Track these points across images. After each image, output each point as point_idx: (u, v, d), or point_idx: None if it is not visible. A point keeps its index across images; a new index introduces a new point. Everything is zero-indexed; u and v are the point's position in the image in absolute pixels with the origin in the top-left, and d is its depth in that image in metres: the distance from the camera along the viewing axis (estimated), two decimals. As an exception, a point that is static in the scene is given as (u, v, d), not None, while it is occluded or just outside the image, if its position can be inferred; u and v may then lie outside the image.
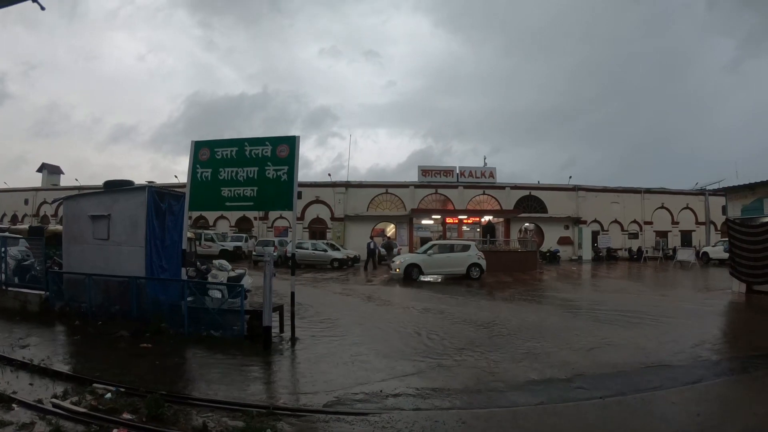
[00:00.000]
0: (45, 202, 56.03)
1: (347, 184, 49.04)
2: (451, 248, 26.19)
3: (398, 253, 34.07)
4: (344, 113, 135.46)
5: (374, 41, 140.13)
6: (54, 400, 6.46)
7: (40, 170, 61.27)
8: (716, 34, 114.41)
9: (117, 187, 12.70)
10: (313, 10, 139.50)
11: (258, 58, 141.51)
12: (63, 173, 63.10)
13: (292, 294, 10.84)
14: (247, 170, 10.93)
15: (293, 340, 10.31)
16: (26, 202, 57.41)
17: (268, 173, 10.81)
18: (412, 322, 12.97)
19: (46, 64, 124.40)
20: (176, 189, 13.75)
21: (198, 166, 11.28)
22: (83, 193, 13.78)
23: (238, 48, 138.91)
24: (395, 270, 24.85)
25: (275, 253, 31.06)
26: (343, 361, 9.01)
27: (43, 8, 4.39)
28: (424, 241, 45.04)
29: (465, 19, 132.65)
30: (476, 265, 25.28)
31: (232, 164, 11.06)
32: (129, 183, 13.49)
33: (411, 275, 24.05)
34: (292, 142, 10.89)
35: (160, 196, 11.70)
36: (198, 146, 11.40)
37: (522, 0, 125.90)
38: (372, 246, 34.02)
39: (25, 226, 27.48)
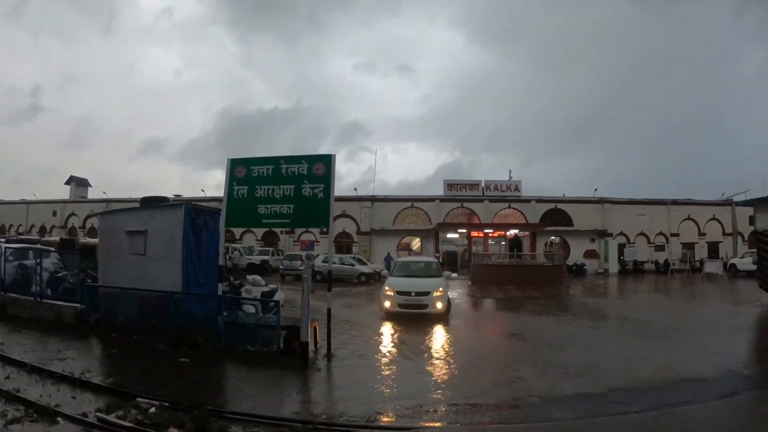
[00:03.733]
0: (73, 214, 56.71)
1: (373, 198, 49.18)
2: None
3: None
4: (376, 127, 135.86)
5: (407, 55, 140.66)
6: (99, 414, 6.53)
7: (68, 182, 61.90)
8: (745, 44, 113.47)
9: (154, 204, 12.92)
10: (349, 26, 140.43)
11: (292, 73, 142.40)
12: (91, 186, 63.74)
13: (329, 310, 10.96)
14: (283, 188, 11.09)
15: (329, 355, 10.39)
16: (54, 213, 57.94)
17: (305, 191, 10.96)
18: (444, 337, 13.09)
19: (80, 77, 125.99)
20: (203, 203, 13.94)
21: (234, 183, 11.45)
22: (120, 209, 14.03)
23: (273, 64, 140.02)
24: (434, 306, 15.66)
25: (302, 267, 31.12)
26: (381, 377, 9.17)
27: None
28: (450, 255, 44.95)
29: (497, 33, 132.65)
30: None
31: (269, 182, 11.23)
32: (165, 199, 13.73)
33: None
34: (328, 161, 11.08)
35: (196, 213, 11.90)
36: (234, 164, 11.59)
37: (553, 13, 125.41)
38: (389, 260, 34.83)
39: (56, 239, 27.75)
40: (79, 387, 7.89)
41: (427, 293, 15.75)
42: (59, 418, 6.47)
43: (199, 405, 6.76)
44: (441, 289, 16.06)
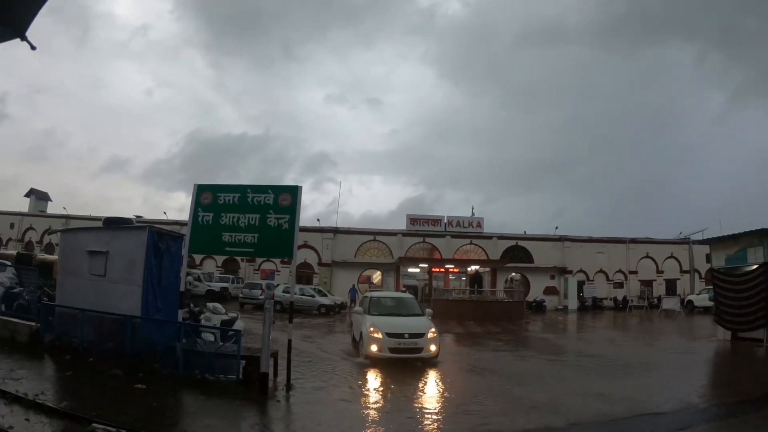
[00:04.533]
0: (31, 228, 55.80)
1: (336, 230, 49.59)
2: None
3: None
4: (342, 159, 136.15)
5: (378, 89, 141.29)
6: (54, 438, 6.41)
7: (28, 195, 60.84)
8: (704, 88, 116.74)
9: (117, 225, 12.78)
10: (323, 57, 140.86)
11: (263, 101, 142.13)
12: (51, 200, 62.74)
13: (289, 341, 10.91)
14: (248, 217, 11.11)
15: (288, 386, 10.32)
16: (12, 226, 56.77)
17: (270, 221, 11.01)
18: (402, 370, 13.03)
19: (49, 87, 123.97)
20: (164, 225, 13.83)
21: (200, 209, 11.41)
22: (82, 227, 13.87)
23: (245, 90, 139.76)
24: (428, 349, 13.93)
25: (262, 296, 31.11)
26: (339, 411, 9.15)
27: (33, 48, 4.53)
28: (411, 290, 44.98)
29: (467, 72, 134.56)
30: None
31: (234, 210, 11.23)
32: (128, 221, 13.60)
33: None
34: (294, 192, 11.15)
35: (159, 236, 11.77)
36: (200, 189, 11.56)
37: (522, 57, 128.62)
38: (353, 293, 37.70)
39: (13, 252, 27.17)
40: (33, 409, 7.70)
41: (421, 335, 13.91)
42: (12, 442, 6.26)
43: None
44: (434, 329, 14.35)
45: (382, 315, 15.22)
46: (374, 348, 13.69)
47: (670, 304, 37.24)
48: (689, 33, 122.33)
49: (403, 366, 13.36)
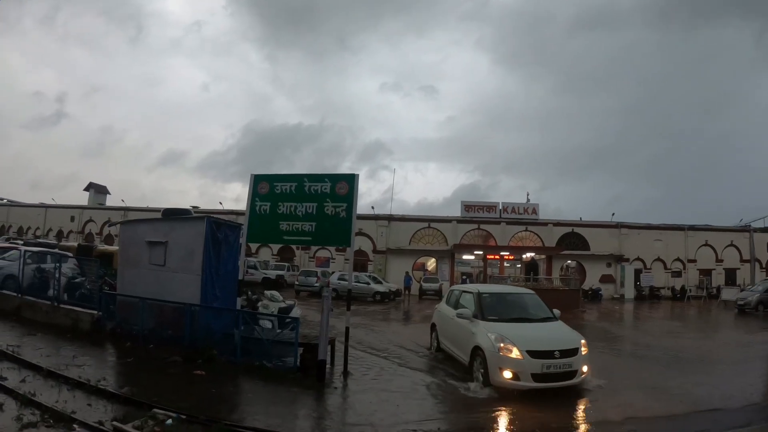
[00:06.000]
0: (91, 220, 57.55)
1: (390, 218, 49.58)
2: None
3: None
4: (398, 147, 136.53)
5: (432, 77, 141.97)
6: (115, 423, 6.52)
7: (87, 189, 62.67)
8: (763, 71, 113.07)
9: (175, 216, 12.96)
10: (376, 47, 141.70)
11: (318, 91, 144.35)
12: (109, 193, 64.57)
13: (347, 329, 10.95)
14: (306, 205, 11.22)
15: (346, 374, 10.34)
16: (72, 219, 58.53)
17: (327, 209, 11.09)
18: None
19: (106, 86, 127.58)
20: (220, 215, 13.95)
21: (257, 199, 11.56)
22: (142, 219, 14.07)
23: (300, 81, 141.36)
24: (581, 371, 9.65)
25: (317, 284, 31.46)
26: (398, 398, 9.04)
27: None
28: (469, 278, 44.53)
29: (522, 58, 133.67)
30: None
31: (291, 199, 11.34)
32: (187, 212, 13.80)
33: None
34: (351, 180, 11.17)
35: (217, 226, 11.88)
36: (257, 180, 11.70)
37: (576, 41, 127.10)
38: (408, 281, 37.51)
39: (74, 244, 27.92)
40: (95, 394, 7.87)
41: (573, 351, 9.64)
42: (75, 426, 6.45)
43: (216, 419, 6.77)
44: (584, 341, 10.08)
45: (503, 321, 10.64)
46: (507, 374, 9.26)
47: (730, 294, 36.02)
48: (747, 10, 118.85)
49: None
